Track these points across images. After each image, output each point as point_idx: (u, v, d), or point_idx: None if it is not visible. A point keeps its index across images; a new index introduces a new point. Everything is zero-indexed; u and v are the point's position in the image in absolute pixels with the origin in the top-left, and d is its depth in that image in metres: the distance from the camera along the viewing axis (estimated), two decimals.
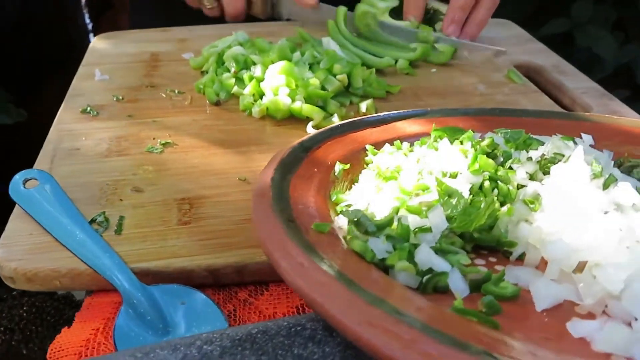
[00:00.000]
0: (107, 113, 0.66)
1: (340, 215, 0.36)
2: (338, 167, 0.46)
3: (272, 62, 0.70)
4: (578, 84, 0.78)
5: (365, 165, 0.49)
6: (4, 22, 1.29)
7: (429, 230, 0.33)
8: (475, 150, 0.43)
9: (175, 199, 0.52)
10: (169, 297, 0.43)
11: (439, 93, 0.73)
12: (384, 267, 0.31)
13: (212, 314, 0.42)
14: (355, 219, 0.33)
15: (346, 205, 0.39)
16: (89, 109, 0.66)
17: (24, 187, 0.50)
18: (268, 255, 0.30)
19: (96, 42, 0.85)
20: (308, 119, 0.64)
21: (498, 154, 0.44)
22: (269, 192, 0.36)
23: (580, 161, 0.36)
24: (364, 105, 0.66)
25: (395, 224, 0.33)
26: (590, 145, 0.47)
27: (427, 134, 0.56)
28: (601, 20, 1.61)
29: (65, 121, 0.64)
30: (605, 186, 0.36)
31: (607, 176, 0.36)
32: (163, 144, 0.60)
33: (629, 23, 1.59)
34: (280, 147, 0.60)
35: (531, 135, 0.47)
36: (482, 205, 0.34)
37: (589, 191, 0.34)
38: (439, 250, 0.32)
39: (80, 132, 0.61)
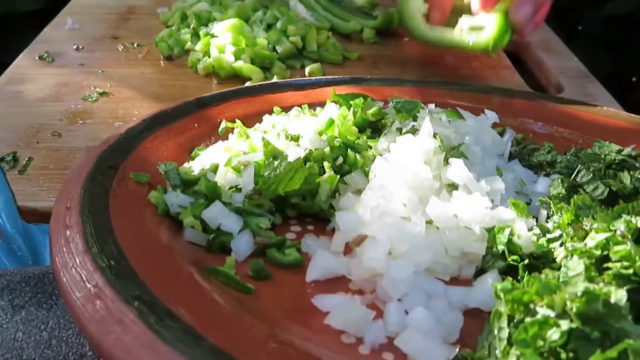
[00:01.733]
0: (62, 61, 0.67)
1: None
2: (223, 124, 0.45)
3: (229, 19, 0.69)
4: (560, 64, 0.72)
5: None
6: None
7: (239, 190, 0.32)
8: (356, 117, 0.41)
9: (87, 147, 0.53)
10: (47, 236, 0.44)
11: (400, 63, 0.70)
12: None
13: None
14: (164, 171, 0.33)
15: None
16: (46, 55, 0.68)
17: None
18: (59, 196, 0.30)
19: None
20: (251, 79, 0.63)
21: (388, 124, 0.42)
22: (113, 138, 0.36)
23: (424, 135, 0.34)
24: (308, 69, 0.65)
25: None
26: (495, 123, 0.43)
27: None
28: None
29: (21, 65, 0.66)
30: (445, 162, 0.33)
31: (455, 154, 0.33)
32: (100, 93, 0.61)
33: None
34: None
35: (427, 107, 0.44)
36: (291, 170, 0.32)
37: (414, 165, 0.32)
38: (242, 211, 0.31)
39: (29, 77, 0.64)
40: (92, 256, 0.24)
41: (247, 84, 0.62)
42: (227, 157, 0.34)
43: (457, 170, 0.31)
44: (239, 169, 0.33)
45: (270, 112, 0.50)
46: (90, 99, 0.60)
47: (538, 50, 0.74)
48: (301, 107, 0.50)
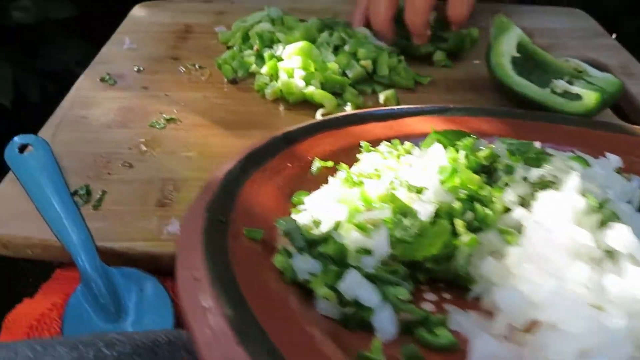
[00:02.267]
0: (124, 83, 0.65)
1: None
2: (316, 164, 0.42)
3: (296, 42, 0.66)
4: None
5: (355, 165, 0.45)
6: None
7: (368, 252, 0.29)
8: (469, 161, 0.37)
9: (161, 179, 0.50)
10: (129, 282, 0.42)
11: (476, 88, 0.66)
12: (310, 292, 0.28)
13: (163, 306, 0.40)
14: (286, 230, 0.30)
15: (301, 210, 0.35)
16: (107, 77, 0.66)
17: (19, 152, 0.50)
18: (175, 259, 0.28)
19: (136, 10, 0.85)
20: (323, 106, 0.61)
21: (499, 168, 0.38)
22: (214, 185, 0.33)
23: (572, 191, 0.30)
24: (382, 96, 0.61)
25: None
26: (619, 168, 0.40)
27: None
28: None
29: (83, 88, 0.64)
30: (601, 225, 0.29)
31: (605, 213, 0.30)
32: (167, 120, 0.58)
33: None
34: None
35: (547, 150, 0.40)
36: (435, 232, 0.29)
37: (571, 229, 0.28)
38: (376, 279, 0.28)
39: (92, 101, 0.61)
40: (247, 351, 0.21)
41: (319, 111, 0.59)
42: (346, 211, 0.31)
43: (620, 235, 0.28)
44: (365, 228, 0.30)
45: (357, 146, 0.47)
46: (157, 126, 0.57)
47: (620, 75, 0.70)
48: (390, 142, 0.47)
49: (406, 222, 0.29)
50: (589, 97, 0.54)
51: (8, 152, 0.50)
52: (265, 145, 0.42)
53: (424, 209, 0.31)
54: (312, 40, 0.67)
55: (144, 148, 0.54)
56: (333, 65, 0.62)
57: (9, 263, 0.46)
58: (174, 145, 0.55)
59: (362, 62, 0.64)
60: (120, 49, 0.73)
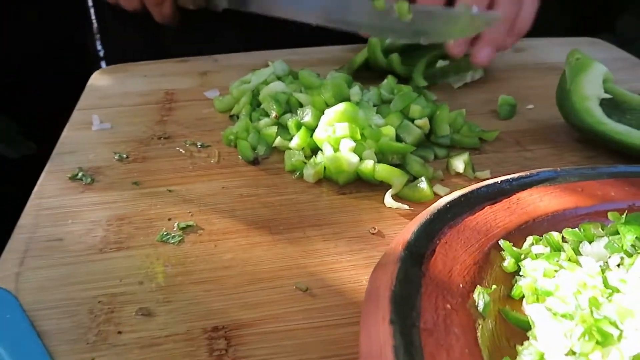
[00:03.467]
0: (106, 179, 0.48)
1: None
2: (482, 299, 0.27)
3: (326, 103, 0.52)
4: None
5: (506, 275, 0.31)
6: (15, 52, 1.17)
7: None
8: None
9: (203, 330, 0.33)
10: None
11: (549, 139, 0.55)
12: None
13: None
14: None
15: None
16: (80, 174, 0.48)
17: None
18: None
19: (97, 78, 0.68)
20: (382, 184, 0.46)
21: None
22: None
23: None
24: (459, 163, 0.48)
25: None
26: None
27: (570, 211, 0.39)
28: None
29: (47, 193, 0.46)
30: None
31: None
32: (182, 229, 0.41)
33: None
34: (350, 227, 0.42)
35: None
36: None
37: None
38: None
39: (65, 211, 0.43)
40: None
41: (388, 194, 0.45)
42: None
43: None
44: None
45: (493, 248, 0.33)
46: (171, 240, 0.40)
47: None
48: (545, 239, 0.34)
49: None
50: None
51: None
52: (399, 278, 0.26)
53: None
54: (345, 99, 0.53)
55: (162, 279, 0.37)
56: (388, 130, 0.48)
57: None
58: (204, 269, 0.38)
59: (418, 122, 0.51)
60: (88, 132, 0.55)
